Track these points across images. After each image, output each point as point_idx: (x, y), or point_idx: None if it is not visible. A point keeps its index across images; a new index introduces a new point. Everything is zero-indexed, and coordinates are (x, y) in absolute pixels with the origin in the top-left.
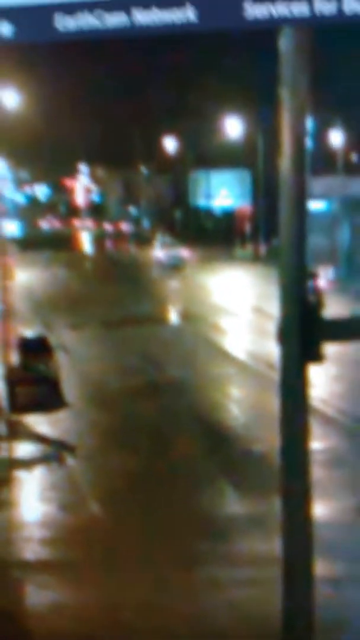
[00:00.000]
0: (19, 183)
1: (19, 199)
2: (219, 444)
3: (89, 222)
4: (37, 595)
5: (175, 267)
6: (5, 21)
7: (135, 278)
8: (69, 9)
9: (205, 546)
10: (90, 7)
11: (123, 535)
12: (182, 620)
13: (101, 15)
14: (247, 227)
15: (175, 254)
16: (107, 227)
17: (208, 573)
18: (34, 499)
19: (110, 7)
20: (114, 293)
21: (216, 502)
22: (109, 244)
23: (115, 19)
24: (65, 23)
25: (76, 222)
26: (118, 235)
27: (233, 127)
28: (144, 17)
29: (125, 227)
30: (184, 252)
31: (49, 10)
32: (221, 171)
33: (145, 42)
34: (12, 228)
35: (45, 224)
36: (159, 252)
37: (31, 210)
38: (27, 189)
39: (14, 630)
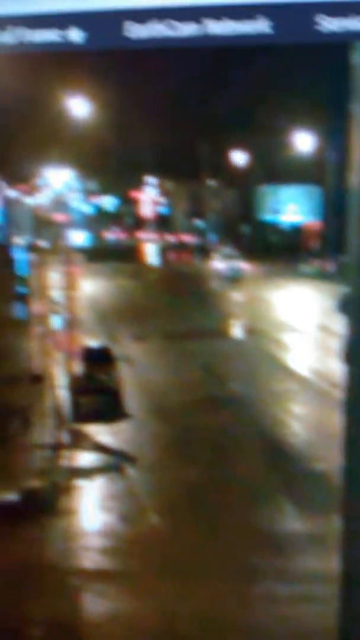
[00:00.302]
0: (86, 194)
1: (87, 209)
2: (279, 460)
3: (152, 234)
4: (95, 604)
5: (233, 278)
6: (75, 27)
7: (199, 291)
8: (140, 17)
9: (262, 561)
10: (161, 16)
11: (181, 547)
12: (238, 633)
13: (172, 23)
14: (315, 243)
15: (234, 265)
16: (170, 238)
17: (265, 588)
18: (93, 508)
19: (181, 16)
20: (178, 305)
21: (275, 518)
22: (171, 255)
23: (186, 28)
24: (137, 30)
25: (140, 234)
26: (180, 247)
27: (303, 141)
28: (216, 27)
29: (187, 238)
30: (243, 264)
31: (120, 17)
32: (290, 186)
33: (217, 54)
34: (80, 238)
35: (110, 235)
36: (218, 263)
37: (97, 221)
38: (95, 200)
39: (71, 638)
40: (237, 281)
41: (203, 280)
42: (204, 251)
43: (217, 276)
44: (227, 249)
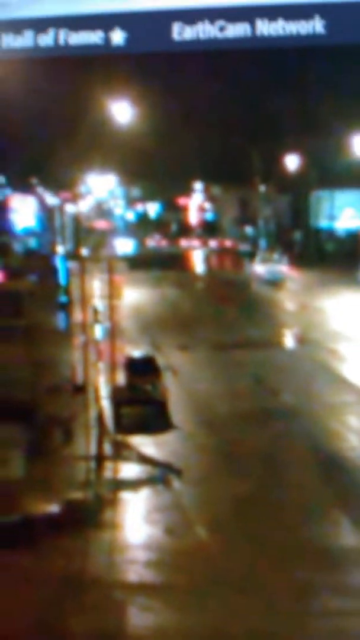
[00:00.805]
0: (130, 201)
1: (130, 216)
2: (334, 474)
3: (195, 241)
4: (140, 618)
5: (274, 282)
6: (118, 29)
7: (247, 299)
8: (188, 17)
9: (315, 575)
10: (211, 16)
11: (230, 561)
12: None
13: (222, 24)
14: None
15: (275, 269)
16: (213, 245)
17: (318, 602)
18: (138, 520)
19: (233, 17)
20: (225, 314)
21: (329, 533)
22: (215, 262)
23: (236, 28)
24: (182, 32)
25: (182, 241)
26: (224, 254)
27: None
28: (267, 27)
29: (229, 244)
30: (284, 268)
31: (166, 17)
32: (346, 191)
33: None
34: (128, 246)
35: (152, 243)
36: (258, 267)
37: (141, 229)
38: (139, 207)
39: None
40: (278, 285)
41: (250, 287)
42: (253, 258)
43: (258, 279)
44: (268, 254)
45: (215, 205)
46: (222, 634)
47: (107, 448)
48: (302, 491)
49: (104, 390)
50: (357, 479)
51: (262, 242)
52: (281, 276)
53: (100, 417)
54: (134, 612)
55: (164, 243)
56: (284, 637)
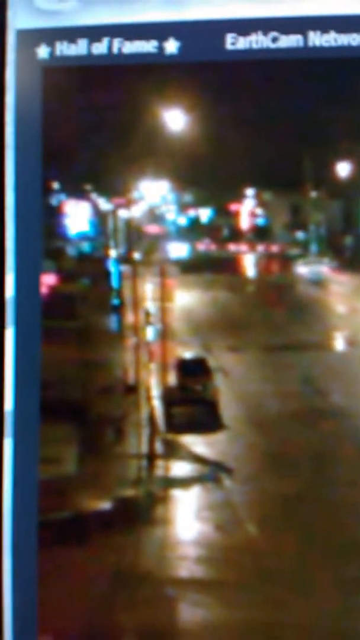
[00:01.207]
0: (182, 206)
1: (182, 222)
2: None
3: (243, 246)
4: (190, 613)
5: (316, 281)
6: (172, 38)
7: (297, 302)
8: (242, 28)
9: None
10: (264, 27)
11: (279, 558)
12: None
13: (274, 35)
14: None
15: (316, 269)
16: (260, 249)
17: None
18: (189, 517)
19: (285, 28)
20: (274, 316)
21: None
22: (262, 265)
23: (288, 39)
24: (235, 42)
25: (231, 246)
26: (270, 257)
27: None
28: (319, 38)
29: (275, 248)
30: (325, 268)
31: (219, 27)
32: None
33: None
34: (182, 251)
35: (201, 246)
36: (301, 267)
37: (192, 233)
38: (191, 212)
39: None
40: (319, 283)
41: (295, 287)
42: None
43: (301, 279)
44: (311, 256)
45: (267, 210)
46: (270, 630)
47: (159, 447)
48: (352, 490)
49: (155, 391)
50: None
51: (313, 247)
52: (322, 275)
53: (151, 417)
54: (184, 607)
55: (213, 247)
56: (332, 634)
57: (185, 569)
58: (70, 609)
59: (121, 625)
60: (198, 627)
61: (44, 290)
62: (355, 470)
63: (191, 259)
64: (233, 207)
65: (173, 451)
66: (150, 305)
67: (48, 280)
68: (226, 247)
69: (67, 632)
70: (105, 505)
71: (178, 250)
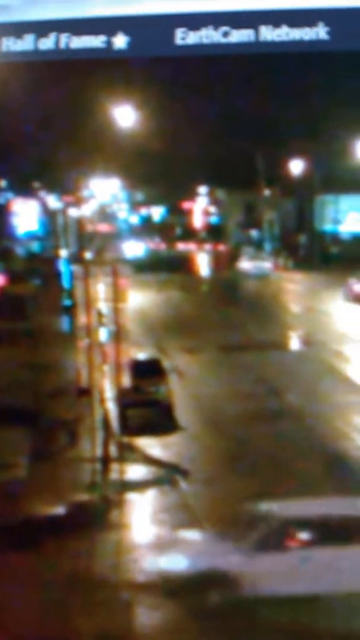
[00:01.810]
0: (134, 205)
1: (134, 220)
2: (340, 473)
3: (191, 244)
4: (146, 617)
5: (259, 276)
6: (121, 33)
7: (251, 302)
8: (192, 22)
9: None
10: (215, 22)
11: None
12: None
13: (225, 29)
14: None
15: (259, 265)
16: (208, 247)
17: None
18: (145, 521)
19: (237, 22)
20: (229, 316)
21: None
22: (210, 263)
23: (240, 34)
24: (185, 36)
25: (180, 245)
26: (216, 255)
27: None
28: (271, 33)
29: (222, 247)
30: (268, 264)
31: (170, 22)
32: (350, 195)
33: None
34: (138, 249)
35: (152, 245)
36: (245, 263)
37: (144, 232)
38: (143, 211)
39: None
40: (262, 278)
41: (239, 283)
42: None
43: (244, 274)
44: (253, 251)
45: (220, 208)
46: (227, 631)
47: (113, 450)
48: (308, 490)
49: (109, 393)
50: None
51: (267, 245)
52: (265, 271)
53: (105, 420)
54: (140, 611)
55: (162, 246)
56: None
57: (141, 573)
58: (24, 613)
59: (76, 629)
60: (154, 631)
61: None
62: (311, 471)
63: (143, 258)
64: (186, 205)
65: (128, 454)
66: (103, 306)
67: None
68: (174, 246)
69: (22, 636)
70: (59, 510)
71: (134, 249)
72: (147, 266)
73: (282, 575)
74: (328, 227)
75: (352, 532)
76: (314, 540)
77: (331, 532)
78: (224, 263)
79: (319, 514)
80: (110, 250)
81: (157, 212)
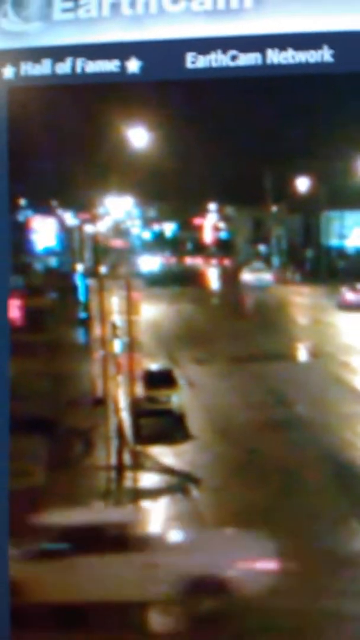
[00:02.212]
0: (146, 221)
1: (147, 236)
2: (349, 483)
3: (198, 259)
4: (159, 624)
5: (261, 288)
6: (134, 58)
7: (260, 314)
8: (201, 47)
9: (333, 583)
10: (223, 46)
11: None
12: None
13: (234, 53)
14: None
15: (261, 277)
16: (214, 262)
17: (336, 609)
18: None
19: (244, 46)
20: (240, 328)
21: (346, 541)
22: (222, 279)
23: (247, 57)
24: (195, 60)
25: (188, 259)
26: (225, 270)
27: None
28: (277, 56)
29: (227, 261)
30: (268, 276)
31: (180, 47)
32: (356, 211)
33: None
34: (153, 264)
35: (163, 260)
36: (247, 275)
37: (156, 247)
38: (156, 227)
39: None
40: (263, 289)
41: (261, 303)
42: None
43: (246, 286)
44: (257, 264)
45: (229, 224)
46: (239, 636)
47: (127, 458)
48: (318, 499)
49: (123, 403)
50: None
51: (275, 260)
52: (266, 282)
53: (119, 429)
54: (152, 618)
55: (173, 261)
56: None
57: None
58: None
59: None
60: (166, 637)
61: (12, 307)
62: (320, 480)
63: (158, 272)
64: (197, 221)
65: (142, 463)
66: (117, 318)
67: (15, 302)
68: (182, 260)
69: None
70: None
71: (149, 263)
72: (160, 280)
73: (46, 584)
74: (334, 242)
75: (119, 540)
76: (79, 548)
77: (97, 540)
78: (230, 277)
79: (88, 522)
80: (124, 265)
81: (169, 228)
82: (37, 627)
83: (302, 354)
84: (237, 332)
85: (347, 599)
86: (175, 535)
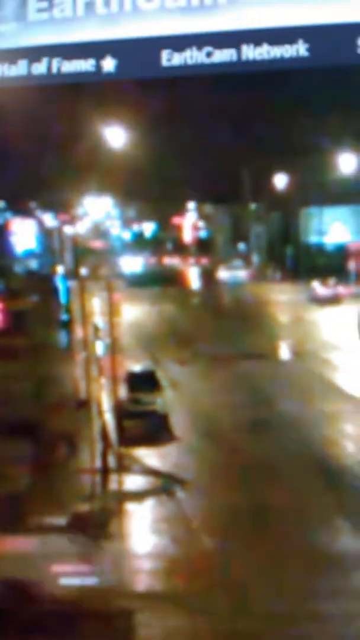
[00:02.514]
0: (126, 221)
1: (127, 236)
2: (332, 481)
3: (176, 259)
4: (147, 626)
5: (235, 285)
6: (109, 56)
7: (242, 314)
8: (177, 44)
9: (317, 580)
10: (198, 43)
11: (235, 569)
12: None
13: (209, 49)
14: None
15: (235, 274)
16: (191, 261)
17: (319, 607)
18: (144, 531)
19: (219, 43)
20: (218, 327)
21: (329, 539)
22: (201, 278)
23: (222, 54)
24: (171, 58)
25: (166, 259)
26: (203, 270)
27: (347, 162)
28: (252, 52)
29: (204, 260)
30: (242, 273)
31: (155, 44)
32: (335, 208)
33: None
34: (136, 265)
35: (145, 261)
36: (222, 273)
37: (136, 248)
38: (135, 227)
39: None
40: (237, 286)
41: (245, 302)
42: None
43: (222, 284)
44: (236, 262)
45: (209, 223)
46: (228, 638)
47: (111, 461)
48: (302, 498)
49: (106, 405)
50: (355, 484)
51: (255, 257)
52: (240, 279)
53: (103, 431)
54: (140, 619)
55: (152, 261)
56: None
57: (141, 582)
58: (26, 624)
59: (80, 637)
60: (154, 639)
61: None
62: (304, 478)
63: (140, 273)
64: (176, 220)
65: (126, 465)
66: (99, 320)
67: None
68: (161, 260)
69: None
70: (60, 521)
71: (131, 264)
72: (141, 281)
73: None
74: (313, 239)
75: None
76: None
77: None
78: (208, 276)
79: None
80: (105, 266)
81: (148, 228)
82: None
83: (283, 352)
84: (218, 332)
85: (333, 598)
86: None
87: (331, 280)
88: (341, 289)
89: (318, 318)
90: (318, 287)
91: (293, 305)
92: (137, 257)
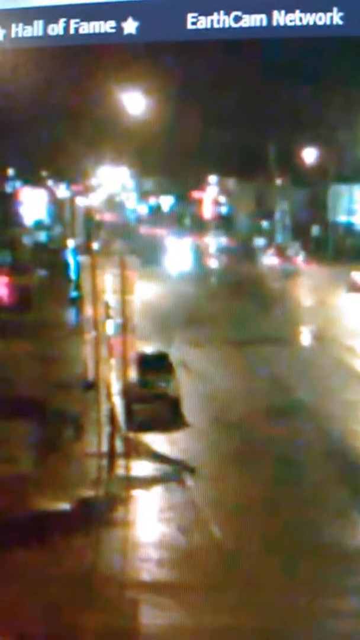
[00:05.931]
0: (142, 194)
1: (143, 210)
2: (349, 472)
3: (187, 237)
4: (152, 616)
5: (288, 274)
6: (131, 18)
7: (261, 295)
8: (203, 7)
9: (329, 575)
10: (227, 6)
11: (243, 559)
12: None
13: (237, 14)
14: None
15: (219, 244)
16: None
17: (331, 602)
18: (151, 518)
19: (249, 7)
20: (239, 310)
21: (344, 532)
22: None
23: (251, 19)
24: (196, 21)
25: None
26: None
27: None
28: (283, 18)
29: (225, 241)
30: (224, 240)
31: (180, 6)
32: None
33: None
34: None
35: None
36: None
37: (152, 222)
38: (152, 200)
39: None
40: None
41: (264, 283)
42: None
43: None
44: (218, 232)
45: (230, 199)
46: (234, 632)
47: (119, 445)
48: (317, 489)
49: (115, 387)
50: None
51: (279, 237)
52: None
53: (111, 414)
54: (146, 610)
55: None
56: (292, 636)
57: (147, 571)
58: (30, 610)
59: (82, 627)
60: (159, 630)
61: None
62: (320, 469)
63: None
64: (196, 194)
65: (134, 450)
66: (111, 297)
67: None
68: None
69: (28, 633)
70: (64, 506)
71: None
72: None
73: None
74: (342, 218)
75: None
76: None
77: None
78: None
79: None
80: (117, 241)
81: (166, 202)
82: None
83: (304, 337)
84: (236, 314)
85: (345, 595)
86: None
87: None
88: None
89: (344, 302)
90: (358, 277)
91: (317, 288)
92: (181, 237)
